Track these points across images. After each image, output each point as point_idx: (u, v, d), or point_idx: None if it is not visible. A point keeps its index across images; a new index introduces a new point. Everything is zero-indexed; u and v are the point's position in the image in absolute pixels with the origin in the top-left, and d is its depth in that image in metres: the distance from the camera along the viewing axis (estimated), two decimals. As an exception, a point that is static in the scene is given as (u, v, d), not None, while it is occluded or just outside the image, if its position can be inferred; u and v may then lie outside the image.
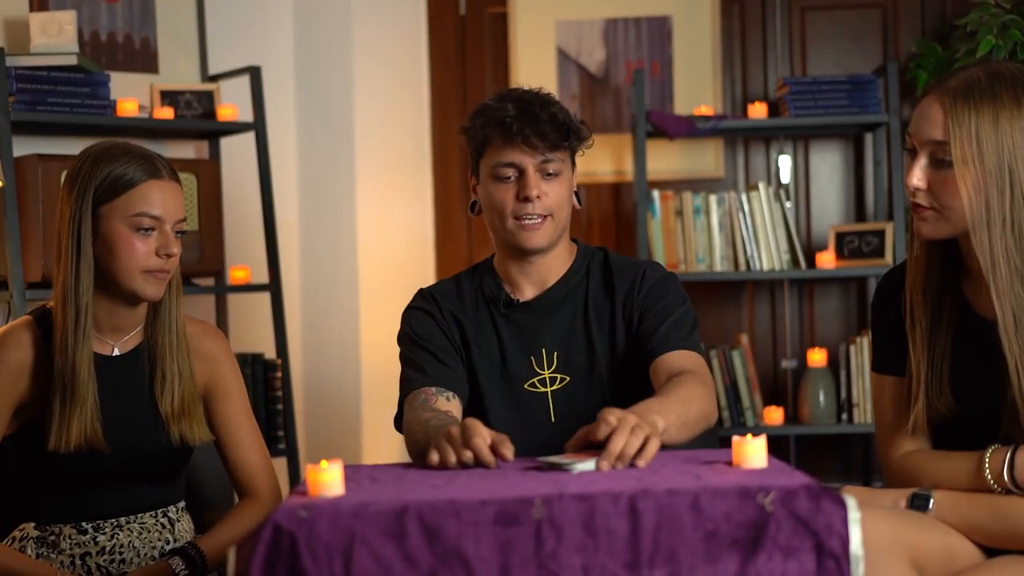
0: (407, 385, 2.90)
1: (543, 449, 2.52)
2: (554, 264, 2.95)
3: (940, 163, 2.40)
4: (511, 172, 2.85)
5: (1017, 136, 2.35)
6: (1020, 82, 2.38)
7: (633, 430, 2.29)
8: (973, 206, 2.37)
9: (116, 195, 2.71)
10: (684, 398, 2.62)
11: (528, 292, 2.96)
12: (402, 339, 2.99)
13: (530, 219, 2.85)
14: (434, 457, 2.36)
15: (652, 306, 2.90)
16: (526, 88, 2.93)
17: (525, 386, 2.90)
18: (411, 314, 3.00)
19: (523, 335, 2.93)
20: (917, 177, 2.43)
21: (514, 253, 2.92)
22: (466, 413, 2.88)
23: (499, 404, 2.89)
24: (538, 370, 2.91)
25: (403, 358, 2.96)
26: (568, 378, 2.89)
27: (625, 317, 2.92)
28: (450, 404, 2.82)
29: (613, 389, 2.89)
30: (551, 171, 2.85)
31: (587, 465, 2.25)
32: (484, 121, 2.86)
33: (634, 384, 2.88)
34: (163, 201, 2.74)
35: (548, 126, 2.83)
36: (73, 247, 2.70)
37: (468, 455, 2.33)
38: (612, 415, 2.33)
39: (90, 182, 2.71)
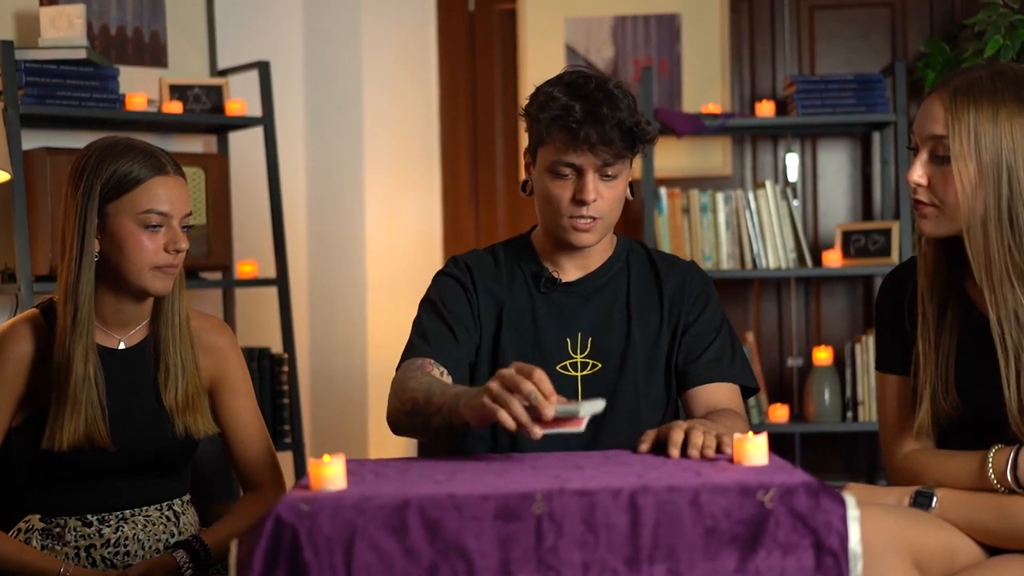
0: (409, 351, 2.85)
1: (567, 434, 2.53)
2: (597, 251, 2.92)
3: (940, 159, 2.41)
4: (569, 171, 2.79)
5: (1017, 133, 2.36)
6: (1023, 82, 2.40)
7: (706, 431, 2.38)
8: (969, 202, 2.38)
9: (123, 193, 2.72)
10: (729, 428, 2.64)
11: (571, 274, 2.93)
12: (424, 301, 2.94)
13: (582, 220, 2.81)
14: (493, 406, 2.32)
15: (695, 320, 2.90)
16: (595, 77, 2.83)
17: (557, 368, 2.86)
18: (441, 279, 2.96)
19: (561, 316, 2.90)
20: (918, 173, 2.44)
21: (561, 244, 2.89)
22: None
23: None
24: (571, 353, 2.88)
25: (416, 320, 2.91)
26: (600, 365, 2.85)
27: (672, 320, 2.90)
28: (445, 379, 2.77)
29: (645, 382, 2.87)
30: (610, 174, 2.79)
31: (596, 406, 2.32)
32: (549, 117, 2.77)
33: (665, 380, 2.89)
34: (170, 197, 2.75)
35: (615, 132, 2.74)
36: (77, 245, 2.71)
37: (529, 386, 2.29)
38: (684, 422, 2.44)
39: (96, 180, 2.71)
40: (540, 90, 2.85)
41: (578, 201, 2.78)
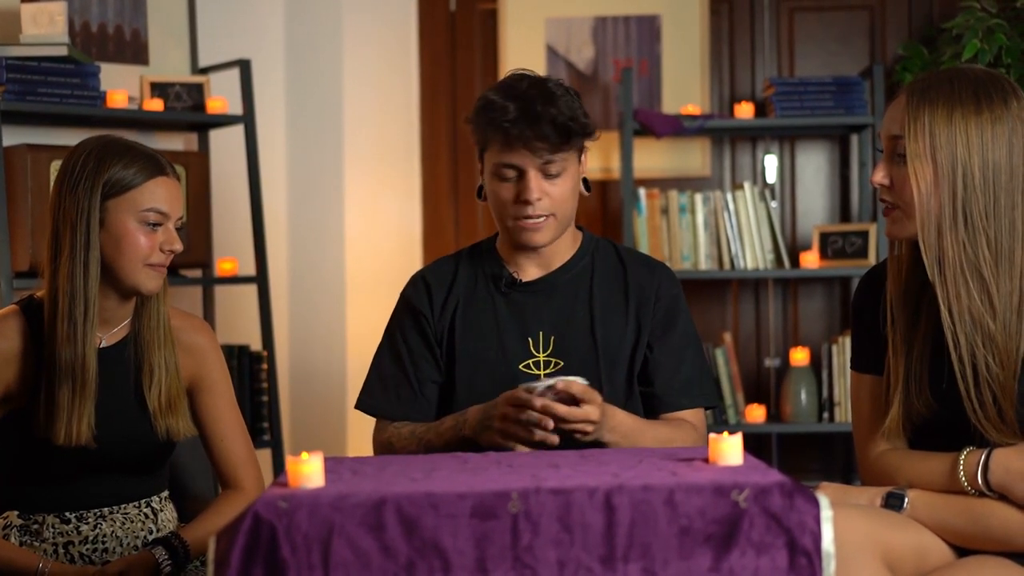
0: (372, 405, 3.02)
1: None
2: (558, 250, 2.94)
3: (900, 159, 2.43)
4: (512, 173, 2.82)
5: (972, 133, 2.38)
6: (983, 83, 2.42)
7: (581, 429, 2.65)
8: (924, 201, 2.40)
9: (124, 191, 2.72)
10: (667, 439, 2.79)
11: (531, 273, 2.95)
12: (387, 330, 3.04)
13: (530, 219, 2.84)
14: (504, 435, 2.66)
15: (664, 333, 2.93)
16: (532, 77, 2.87)
17: (520, 367, 2.88)
18: (401, 307, 3.03)
19: (522, 316, 2.92)
20: (880, 175, 2.47)
21: (516, 243, 2.92)
22: (452, 391, 2.93)
23: (488, 383, 2.85)
24: (533, 352, 2.89)
25: (380, 357, 3.04)
26: (562, 363, 2.87)
27: (637, 319, 2.93)
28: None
29: (608, 379, 2.88)
30: (553, 172, 2.82)
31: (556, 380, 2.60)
32: (486, 120, 2.82)
33: (626, 376, 2.90)
34: (169, 197, 2.76)
35: (549, 128, 2.77)
36: (81, 242, 2.70)
37: (527, 415, 2.62)
38: (596, 411, 2.63)
39: (97, 178, 2.71)
40: (481, 96, 2.89)
41: (522, 201, 2.82)
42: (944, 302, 2.40)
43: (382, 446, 2.96)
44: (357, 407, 3.05)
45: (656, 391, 2.90)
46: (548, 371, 2.88)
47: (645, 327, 2.92)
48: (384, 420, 3.00)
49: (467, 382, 2.89)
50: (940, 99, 2.40)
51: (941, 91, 2.41)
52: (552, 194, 2.83)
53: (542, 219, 2.84)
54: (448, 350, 2.94)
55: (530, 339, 2.90)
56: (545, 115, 2.78)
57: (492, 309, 2.93)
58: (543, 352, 2.89)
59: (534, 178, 2.81)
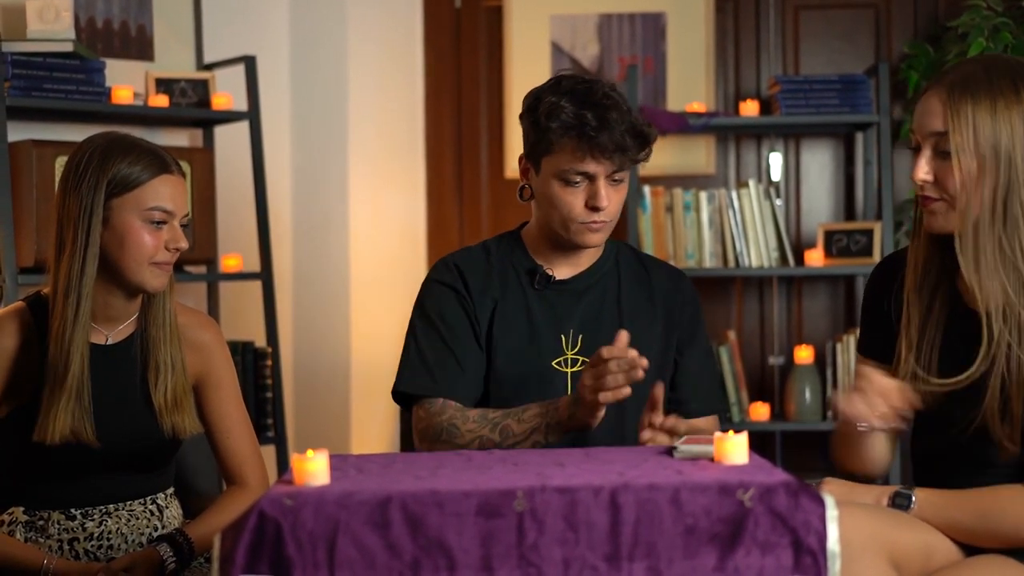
0: (415, 383, 2.88)
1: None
2: (591, 250, 2.95)
3: (943, 154, 2.42)
4: (581, 179, 2.81)
5: (1016, 123, 2.37)
6: (1018, 72, 2.41)
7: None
8: (967, 194, 2.39)
9: (129, 189, 2.72)
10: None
11: (562, 272, 2.95)
12: (420, 314, 2.95)
13: (595, 223, 2.84)
14: None
15: (690, 340, 2.98)
16: (591, 80, 2.87)
17: (552, 363, 2.89)
18: (434, 289, 2.96)
19: (554, 312, 2.92)
20: (923, 171, 2.45)
21: (562, 244, 2.92)
22: (484, 383, 2.91)
23: (521, 379, 2.84)
24: (564, 350, 2.90)
25: (413, 337, 2.93)
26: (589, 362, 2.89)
27: (666, 323, 2.96)
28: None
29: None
30: (618, 178, 2.83)
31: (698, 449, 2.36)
32: (561, 126, 2.78)
33: (651, 379, 2.90)
34: (174, 196, 2.76)
35: (629, 140, 2.78)
36: (82, 239, 2.70)
37: (612, 363, 2.53)
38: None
39: (101, 175, 2.71)
40: (540, 97, 2.85)
41: (592, 208, 2.81)
42: (982, 302, 2.40)
43: (436, 432, 2.81)
44: (397, 389, 2.92)
45: (682, 396, 2.94)
46: (575, 369, 2.88)
47: (673, 333, 2.96)
48: (429, 400, 2.86)
49: (500, 375, 2.88)
50: (981, 91, 2.39)
51: (980, 83, 2.40)
52: (614, 199, 2.84)
53: (605, 223, 2.85)
54: (487, 341, 2.92)
55: (563, 336, 2.91)
56: (623, 123, 2.79)
57: (525, 304, 2.93)
58: (571, 350, 2.90)
59: (605, 185, 2.81)
